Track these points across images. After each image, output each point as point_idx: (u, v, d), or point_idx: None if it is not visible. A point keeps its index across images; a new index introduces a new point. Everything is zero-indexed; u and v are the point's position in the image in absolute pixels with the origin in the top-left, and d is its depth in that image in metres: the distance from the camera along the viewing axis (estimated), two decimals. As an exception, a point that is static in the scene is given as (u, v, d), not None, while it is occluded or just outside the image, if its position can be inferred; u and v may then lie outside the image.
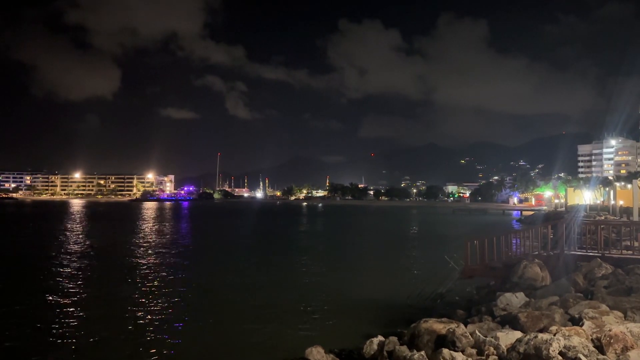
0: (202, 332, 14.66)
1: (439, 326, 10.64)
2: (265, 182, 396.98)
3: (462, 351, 9.36)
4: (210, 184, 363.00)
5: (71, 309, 17.09)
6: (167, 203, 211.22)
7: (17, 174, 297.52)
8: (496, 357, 8.89)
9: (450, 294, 18.26)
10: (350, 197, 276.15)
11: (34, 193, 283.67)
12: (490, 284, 18.19)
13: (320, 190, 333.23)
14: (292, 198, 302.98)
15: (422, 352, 9.39)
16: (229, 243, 44.08)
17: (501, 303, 13.63)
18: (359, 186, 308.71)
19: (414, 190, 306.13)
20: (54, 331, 14.38)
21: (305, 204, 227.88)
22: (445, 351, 9.12)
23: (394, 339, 11.10)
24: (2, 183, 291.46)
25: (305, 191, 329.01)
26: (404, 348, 10.22)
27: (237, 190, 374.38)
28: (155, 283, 22.25)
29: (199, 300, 19.09)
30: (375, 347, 11.10)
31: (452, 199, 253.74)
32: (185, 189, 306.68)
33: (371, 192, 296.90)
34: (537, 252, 17.44)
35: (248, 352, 12.70)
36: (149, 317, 16.18)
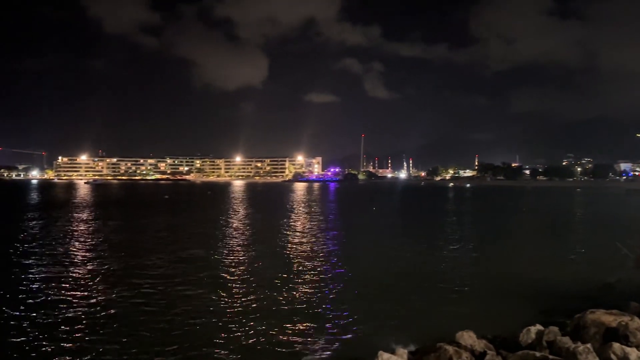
0: (351, 309, 15.34)
1: (608, 318, 9.75)
2: (408, 163, 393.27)
3: (637, 347, 8.48)
4: (355, 165, 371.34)
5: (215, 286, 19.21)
6: (316, 184, 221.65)
7: (189, 158, 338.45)
8: (681, 358, 7.90)
9: (622, 284, 16.39)
10: (502, 177, 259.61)
11: (203, 175, 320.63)
12: (674, 275, 15.88)
13: (468, 170, 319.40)
14: (438, 178, 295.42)
15: (588, 345, 8.73)
16: (377, 222, 44.89)
17: (688, 298, 11.89)
18: (512, 165, 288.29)
19: (578, 169, 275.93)
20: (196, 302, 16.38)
21: (451, 184, 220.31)
22: (616, 345, 8.36)
23: (554, 328, 10.46)
24: (177, 167, 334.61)
25: (451, 171, 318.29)
26: (567, 339, 9.59)
27: (380, 171, 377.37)
28: (305, 261, 23.74)
29: (349, 278, 19.89)
30: (533, 336, 10.61)
31: (625, 178, 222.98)
32: (332, 170, 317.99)
33: (527, 172, 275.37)
34: None
35: (396, 331, 12.96)
36: (303, 293, 17.43)
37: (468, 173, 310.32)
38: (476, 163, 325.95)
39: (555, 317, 13.01)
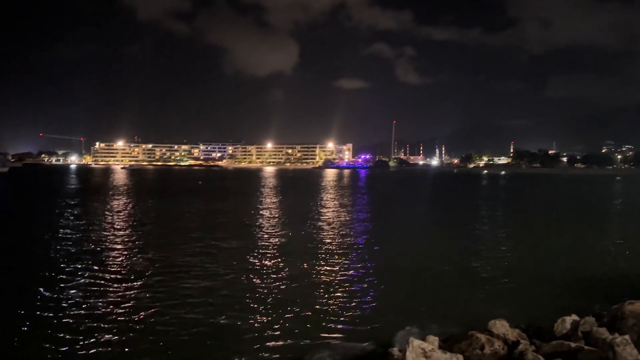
0: (382, 296, 15.40)
1: (648, 310, 9.48)
2: (441, 149, 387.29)
3: (679, 341, 8.25)
4: (386, 151, 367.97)
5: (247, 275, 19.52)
6: (346, 170, 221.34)
7: (222, 144, 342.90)
8: None
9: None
10: (538, 165, 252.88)
11: (235, 161, 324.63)
12: None
13: (502, 158, 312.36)
14: (471, 166, 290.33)
15: (626, 337, 8.53)
16: (409, 211, 44.66)
17: None
18: (549, 152, 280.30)
19: (618, 157, 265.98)
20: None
21: (485, 172, 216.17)
22: (656, 338, 8.15)
23: (590, 319, 10.26)
24: (209, 153, 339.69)
25: (485, 158, 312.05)
26: (604, 330, 9.40)
27: (412, 158, 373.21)
28: (336, 249, 23.86)
29: (380, 265, 19.90)
30: (568, 326, 10.43)
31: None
32: (362, 157, 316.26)
33: (564, 159, 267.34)
34: None
35: (428, 318, 12.92)
36: (334, 280, 17.58)
37: (503, 160, 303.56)
38: (511, 150, 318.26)
39: (591, 307, 12.75)
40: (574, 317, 10.62)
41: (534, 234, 29.05)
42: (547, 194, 71.06)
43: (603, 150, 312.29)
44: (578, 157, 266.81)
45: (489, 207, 46.20)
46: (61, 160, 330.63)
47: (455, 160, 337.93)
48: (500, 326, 10.62)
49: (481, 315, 12.33)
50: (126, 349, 10.81)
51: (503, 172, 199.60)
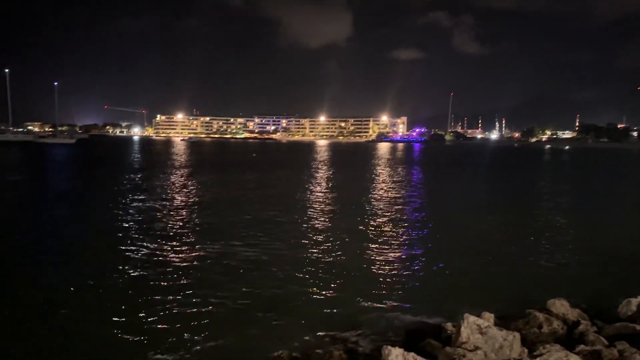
0: (438, 272, 15.33)
1: None
2: (501, 123, 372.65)
3: None
4: (442, 125, 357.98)
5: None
6: (400, 144, 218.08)
7: (276, 118, 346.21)
8: None
9: None
10: (605, 140, 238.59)
11: (289, 134, 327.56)
12: None
13: (567, 132, 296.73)
14: (533, 140, 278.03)
15: (699, 322, 8.11)
16: (467, 186, 43.70)
17: None
18: (618, 126, 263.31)
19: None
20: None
21: (548, 146, 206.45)
22: None
23: (659, 302, 9.80)
24: (264, 126, 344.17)
25: (548, 132, 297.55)
26: (673, 314, 8.97)
27: (469, 131, 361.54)
28: (390, 222, 23.81)
29: (436, 241, 19.75)
30: (634, 308, 10.04)
31: None
32: (417, 130, 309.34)
33: (634, 134, 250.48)
34: None
35: (484, 295, 12.77)
36: (387, 253, 17.63)
37: (567, 135, 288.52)
38: (577, 124, 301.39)
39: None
40: (641, 299, 10.19)
41: (599, 213, 27.70)
42: (615, 170, 67.08)
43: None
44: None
45: (550, 183, 44.31)
46: (124, 132, 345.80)
47: (516, 134, 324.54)
48: (560, 305, 10.37)
49: (540, 294, 12.03)
50: (177, 320, 11.22)
51: (567, 147, 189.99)
